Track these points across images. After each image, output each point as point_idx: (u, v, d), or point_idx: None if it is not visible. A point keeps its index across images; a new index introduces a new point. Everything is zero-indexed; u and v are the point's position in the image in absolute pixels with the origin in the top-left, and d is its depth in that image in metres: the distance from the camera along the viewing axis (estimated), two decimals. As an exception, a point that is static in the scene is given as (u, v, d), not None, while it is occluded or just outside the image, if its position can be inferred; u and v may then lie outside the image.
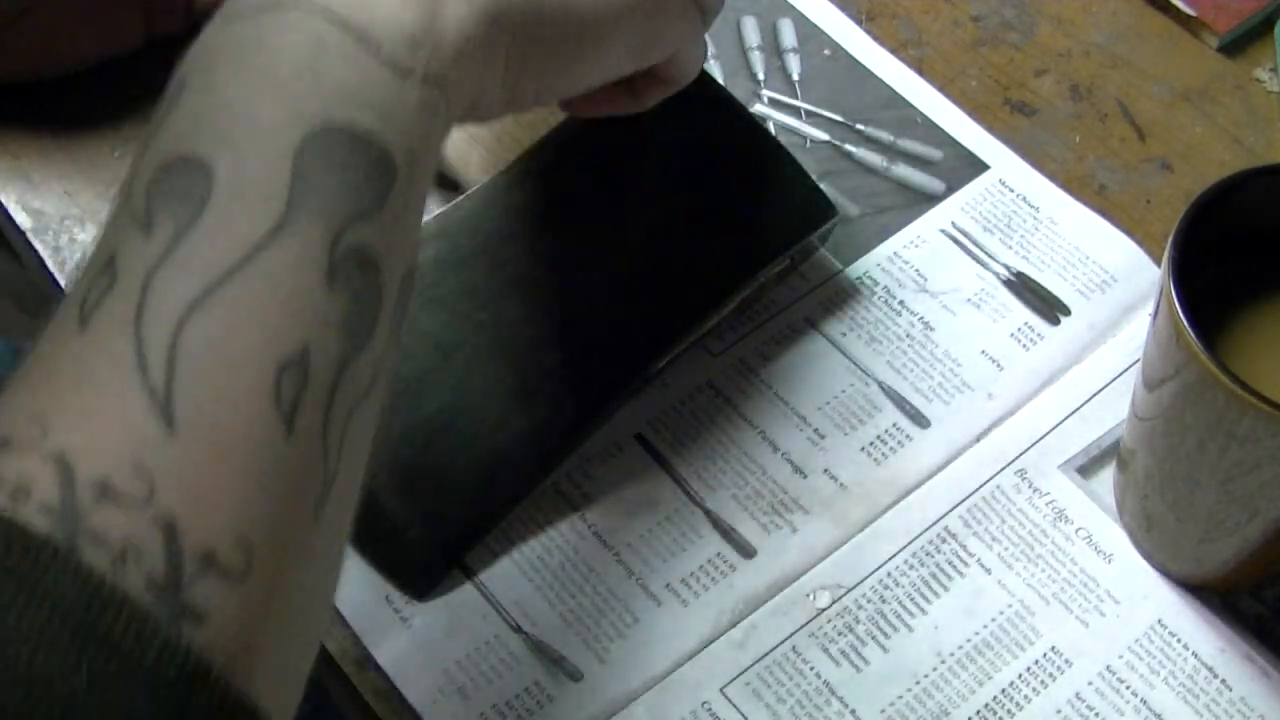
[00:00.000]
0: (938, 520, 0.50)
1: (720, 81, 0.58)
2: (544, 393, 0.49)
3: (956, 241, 0.56)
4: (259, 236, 0.31)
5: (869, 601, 0.48)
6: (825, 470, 0.51)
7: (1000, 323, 0.54)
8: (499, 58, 0.38)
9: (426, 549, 0.48)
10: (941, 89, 0.61)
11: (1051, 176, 0.58)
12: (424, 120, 0.35)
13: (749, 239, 0.52)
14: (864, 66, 0.61)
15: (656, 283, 0.51)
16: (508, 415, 0.49)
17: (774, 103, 0.60)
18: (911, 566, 0.49)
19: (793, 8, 0.63)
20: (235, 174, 0.32)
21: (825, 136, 0.59)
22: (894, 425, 0.52)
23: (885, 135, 0.59)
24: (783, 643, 0.47)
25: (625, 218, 0.52)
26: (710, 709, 0.46)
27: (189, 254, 0.31)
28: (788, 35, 0.63)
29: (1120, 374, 0.52)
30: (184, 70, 0.35)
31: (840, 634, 0.47)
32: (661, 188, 0.52)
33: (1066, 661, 0.47)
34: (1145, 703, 0.46)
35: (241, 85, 0.33)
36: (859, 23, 0.63)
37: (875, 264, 0.56)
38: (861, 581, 0.49)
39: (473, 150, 0.53)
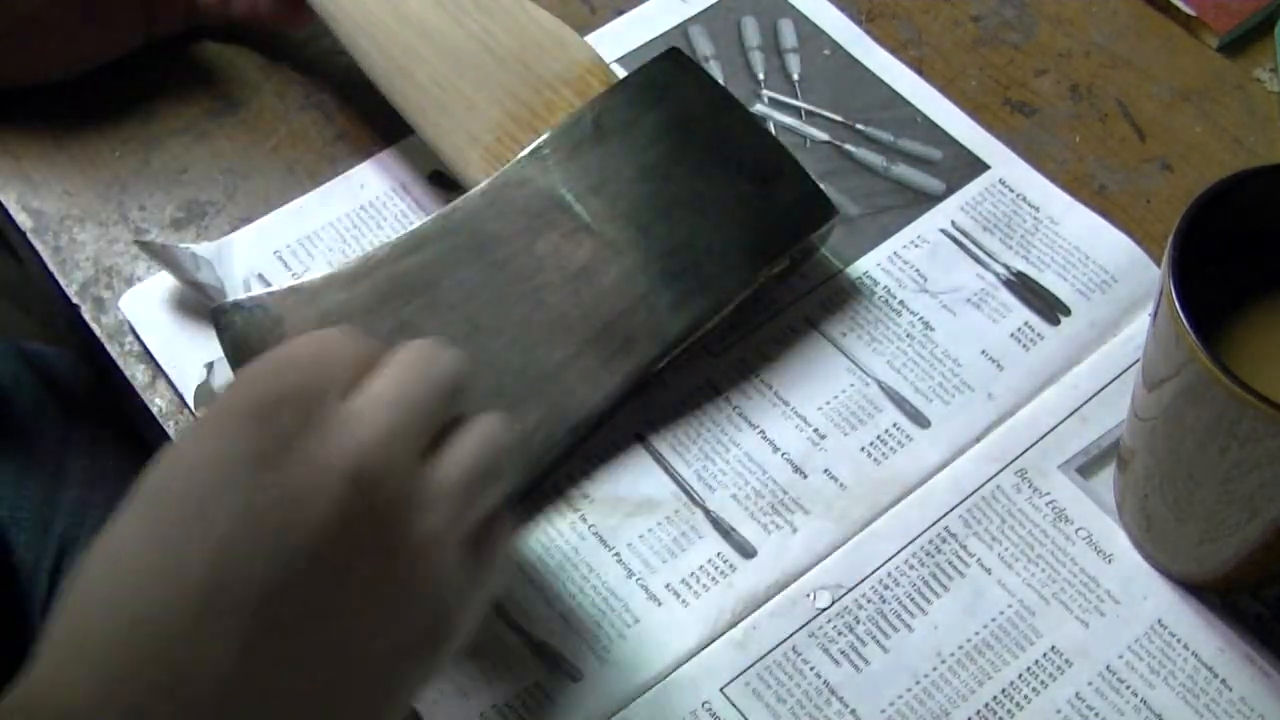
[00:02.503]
0: (938, 520, 0.50)
1: (720, 81, 0.58)
2: (544, 393, 0.49)
3: (956, 241, 0.56)
4: None
5: (869, 601, 0.48)
6: (825, 470, 0.51)
7: (1000, 323, 0.54)
8: None
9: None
10: (941, 89, 0.61)
11: (1051, 176, 0.58)
12: None
13: (749, 239, 0.52)
14: (864, 66, 0.62)
15: (657, 283, 0.51)
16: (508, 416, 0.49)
17: (774, 103, 0.60)
18: (911, 566, 0.49)
19: (793, 8, 0.63)
20: None
21: (825, 136, 0.59)
22: (894, 425, 0.52)
23: (885, 135, 0.59)
24: (783, 643, 0.47)
25: (625, 218, 0.52)
26: (710, 709, 0.46)
27: None
28: (788, 35, 0.63)
29: (1120, 374, 0.52)
30: None
31: (840, 634, 0.47)
32: (661, 188, 0.52)
33: (1066, 661, 0.47)
34: (1145, 703, 0.46)
35: None
36: (859, 23, 0.63)
37: (875, 264, 0.56)
38: (861, 581, 0.49)
39: (472, 150, 0.53)
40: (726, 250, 0.51)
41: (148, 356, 0.53)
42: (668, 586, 0.49)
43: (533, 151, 0.52)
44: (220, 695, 0.34)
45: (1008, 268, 0.56)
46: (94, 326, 0.55)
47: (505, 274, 0.51)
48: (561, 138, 0.53)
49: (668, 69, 0.55)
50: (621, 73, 0.58)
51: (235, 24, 0.62)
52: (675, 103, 0.53)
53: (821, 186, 0.53)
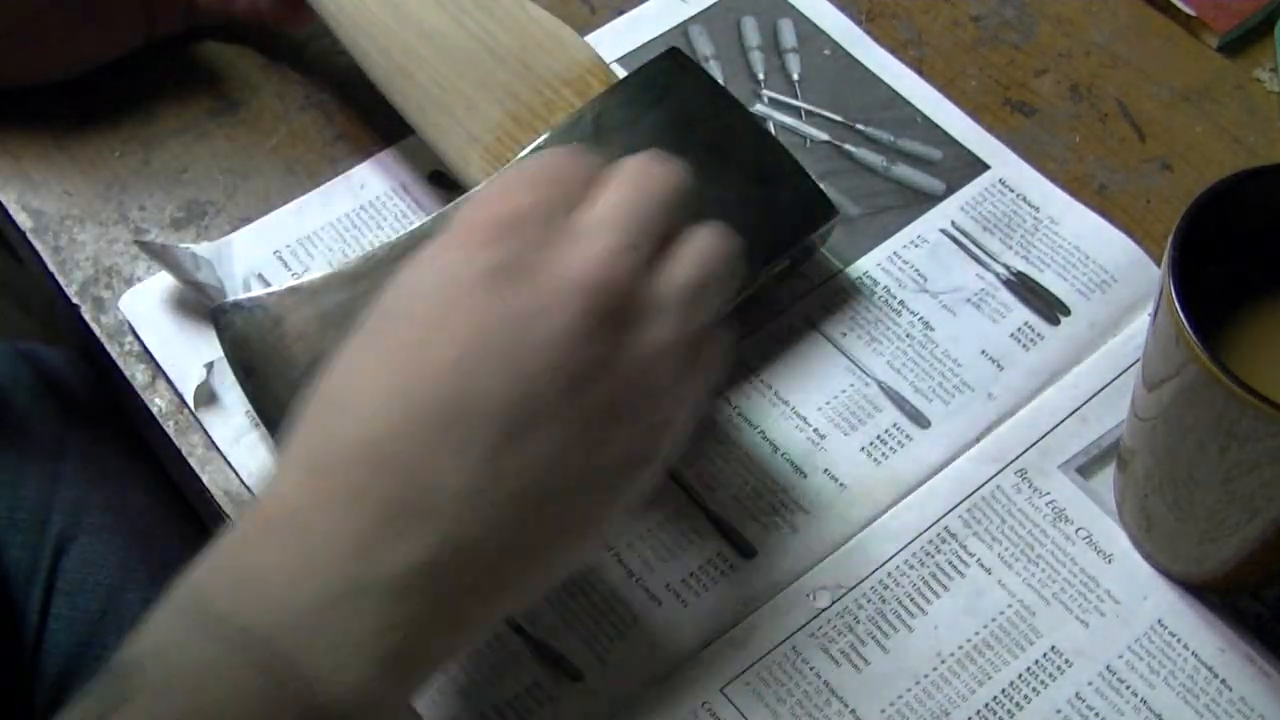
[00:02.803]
0: (938, 520, 0.50)
1: (720, 81, 0.58)
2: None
3: (956, 241, 0.56)
4: None
5: (869, 601, 0.48)
6: (825, 470, 0.51)
7: (1000, 323, 0.54)
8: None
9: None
10: (941, 89, 0.61)
11: (1051, 176, 0.58)
12: None
13: (749, 239, 0.52)
14: (864, 66, 0.62)
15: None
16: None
17: (774, 103, 0.60)
18: (911, 566, 0.49)
19: (793, 8, 0.63)
20: None
21: (825, 136, 0.59)
22: (894, 425, 0.52)
23: (885, 135, 0.59)
24: (783, 643, 0.47)
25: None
26: (710, 709, 0.46)
27: None
28: (788, 35, 0.63)
29: (1120, 374, 0.52)
30: (138, 652, 0.35)
31: (840, 634, 0.47)
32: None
33: (1066, 661, 0.47)
34: (1145, 703, 0.46)
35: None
36: (859, 23, 0.63)
37: (875, 264, 0.56)
38: (861, 581, 0.49)
39: (472, 150, 0.53)
40: (726, 250, 0.51)
41: (147, 356, 0.53)
42: (668, 586, 0.49)
43: (532, 151, 0.52)
44: (460, 505, 0.35)
45: (1008, 268, 0.56)
46: (94, 326, 0.55)
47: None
48: (561, 138, 0.53)
49: (668, 69, 0.55)
50: (621, 73, 0.58)
51: (235, 24, 0.62)
52: (675, 103, 0.53)
53: (821, 186, 0.53)
